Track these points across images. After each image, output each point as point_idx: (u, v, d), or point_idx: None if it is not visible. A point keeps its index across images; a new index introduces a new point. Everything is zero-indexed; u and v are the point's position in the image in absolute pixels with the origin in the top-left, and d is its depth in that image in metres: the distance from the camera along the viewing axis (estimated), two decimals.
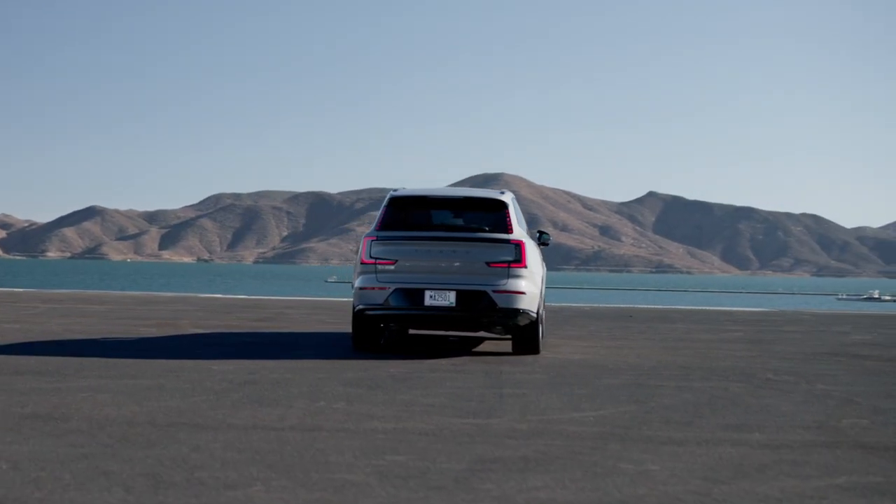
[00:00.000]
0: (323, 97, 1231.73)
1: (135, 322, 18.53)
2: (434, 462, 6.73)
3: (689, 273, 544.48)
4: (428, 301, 13.27)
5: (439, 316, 13.32)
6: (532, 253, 13.66)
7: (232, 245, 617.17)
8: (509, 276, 13.35)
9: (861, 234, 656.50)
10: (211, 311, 22.44)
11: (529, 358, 13.47)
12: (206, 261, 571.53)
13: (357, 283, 13.63)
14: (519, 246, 13.43)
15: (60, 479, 6.01)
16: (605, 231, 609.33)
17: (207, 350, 13.66)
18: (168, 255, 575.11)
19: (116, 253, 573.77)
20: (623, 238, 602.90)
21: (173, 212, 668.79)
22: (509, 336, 14.32)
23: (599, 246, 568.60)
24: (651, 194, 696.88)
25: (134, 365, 11.72)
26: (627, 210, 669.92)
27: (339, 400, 9.38)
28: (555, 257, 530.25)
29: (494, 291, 13.24)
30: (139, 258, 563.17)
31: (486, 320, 13.38)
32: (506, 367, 12.33)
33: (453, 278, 13.36)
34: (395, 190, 14.28)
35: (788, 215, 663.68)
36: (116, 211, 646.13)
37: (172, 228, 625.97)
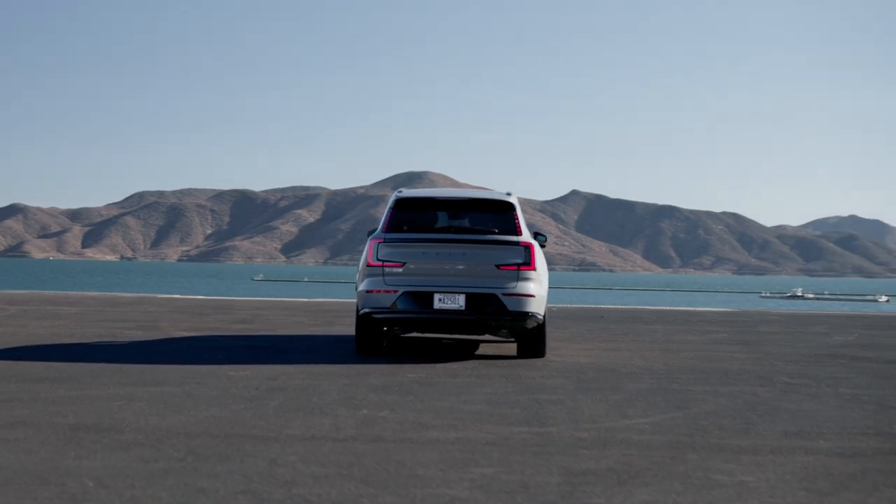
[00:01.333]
0: (247, 95, 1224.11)
1: (114, 324, 18.13)
2: (525, 474, 6.55)
3: (611, 271, 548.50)
4: (437, 304, 13.05)
5: (448, 319, 13.11)
6: (539, 255, 13.49)
7: (156, 243, 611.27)
8: (518, 278, 13.17)
9: (781, 232, 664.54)
10: (183, 312, 22.04)
11: (538, 362, 13.30)
12: (129, 259, 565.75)
13: (363, 286, 13.37)
14: (528, 248, 13.26)
15: (159, 498, 5.76)
16: (529, 229, 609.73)
17: (212, 354, 13.34)
18: (91, 254, 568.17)
19: (39, 251, 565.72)
20: (546, 236, 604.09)
21: (96, 210, 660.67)
22: (512, 339, 14.10)
23: None
24: (574, 193, 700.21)
25: (148, 371, 11.40)
26: (551, 208, 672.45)
27: (380, 408, 9.15)
28: None
29: (504, 294, 13.05)
30: (62, 256, 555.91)
31: (496, 324, 13.17)
32: (522, 372, 12.16)
33: (463, 281, 13.15)
34: (399, 191, 14.06)
35: (709, 214, 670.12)
36: (39, 209, 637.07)
37: (96, 226, 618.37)
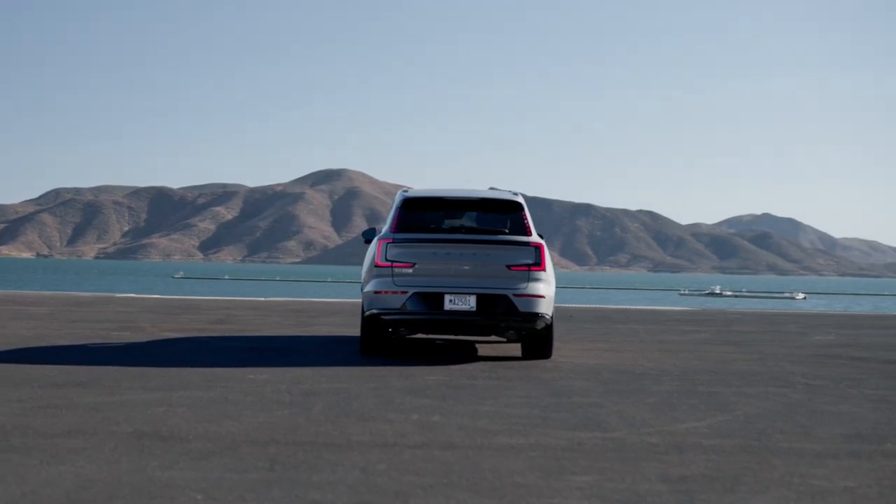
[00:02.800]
0: (165, 91, 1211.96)
1: (95, 325, 17.71)
2: (627, 482, 6.43)
3: None
4: (448, 305, 12.89)
5: (459, 321, 12.95)
6: (548, 256, 13.37)
7: (72, 240, 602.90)
8: (529, 279, 13.05)
9: (696, 230, 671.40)
10: (154, 312, 21.65)
11: (547, 363, 13.17)
12: (45, 256, 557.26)
13: (370, 287, 13.16)
14: (539, 249, 13.14)
15: None
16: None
17: (216, 357, 13.05)
18: (6, 251, 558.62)
19: None
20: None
21: (12, 206, 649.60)
22: (517, 340, 13.96)
23: None
24: (492, 191, 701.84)
25: (168, 375, 11.09)
26: None
27: (427, 412, 8.97)
28: None
29: (515, 295, 12.92)
30: None
31: (506, 325, 13.04)
32: (538, 374, 12.03)
33: (473, 282, 13.00)
34: (405, 190, 13.86)
35: (625, 212, 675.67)
36: None
37: (11, 224, 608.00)
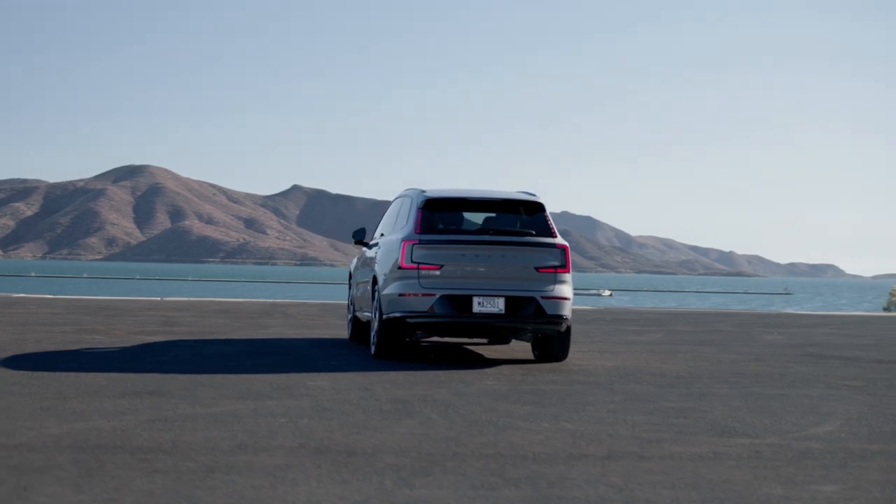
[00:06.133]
0: None
1: (58, 329, 16.70)
2: (871, 492, 6.36)
3: (332, 266, 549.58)
4: (476, 308, 12.66)
5: (487, 323, 12.74)
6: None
7: None
8: (556, 281, 12.92)
9: None
10: (92, 314, 20.57)
11: (573, 366, 12.95)
12: None
13: (392, 289, 12.82)
14: (564, 251, 13.02)
15: None
16: (251, 224, 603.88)
17: (241, 362, 12.48)
18: None
19: None
20: (268, 231, 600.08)
21: None
22: (501, 343, 13.80)
23: (244, 238, 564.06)
24: (295, 188, 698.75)
25: (231, 382, 10.57)
26: (272, 203, 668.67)
27: (548, 419, 8.75)
28: (199, 250, 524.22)
29: (543, 297, 12.77)
30: None
31: (532, 327, 12.87)
32: (584, 377, 11.86)
33: (501, 284, 12.79)
34: (423, 191, 13.48)
35: None
36: None
37: None
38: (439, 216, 13.26)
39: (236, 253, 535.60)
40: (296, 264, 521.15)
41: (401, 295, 12.73)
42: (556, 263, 12.95)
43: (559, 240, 13.10)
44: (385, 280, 13.07)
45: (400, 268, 12.80)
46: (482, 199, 13.58)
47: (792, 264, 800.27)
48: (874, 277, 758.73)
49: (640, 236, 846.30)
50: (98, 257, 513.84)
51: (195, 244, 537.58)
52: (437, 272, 12.74)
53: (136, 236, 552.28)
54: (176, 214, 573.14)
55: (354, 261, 16.49)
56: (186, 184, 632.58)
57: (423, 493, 6.01)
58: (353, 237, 15.61)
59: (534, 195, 13.73)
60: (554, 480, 6.42)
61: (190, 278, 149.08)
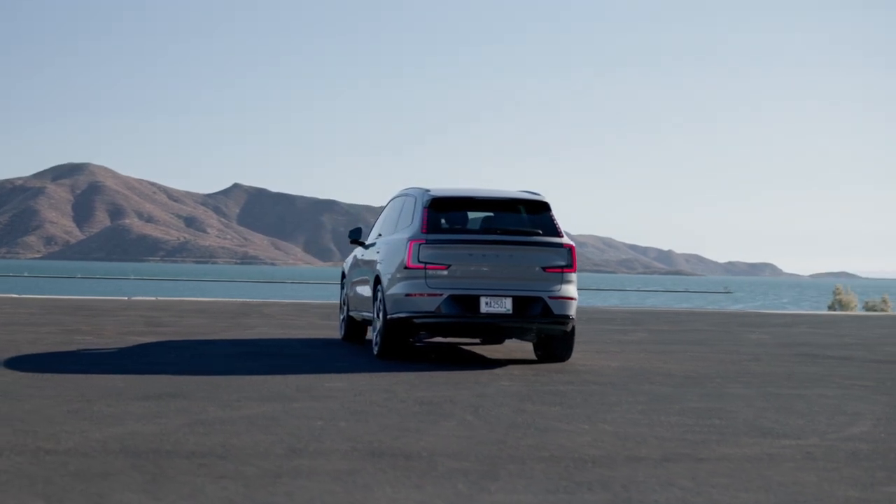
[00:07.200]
0: None
1: (36, 329, 16.43)
2: None
3: (273, 264, 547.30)
4: (484, 308, 12.57)
5: (493, 324, 12.65)
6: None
7: None
8: (562, 281, 12.86)
9: None
10: (72, 314, 20.23)
11: (579, 366, 12.89)
12: None
13: (398, 289, 12.70)
14: (571, 250, 12.95)
15: None
16: (191, 222, 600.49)
17: (247, 363, 12.28)
18: None
19: None
20: (208, 229, 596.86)
21: None
22: (494, 343, 13.76)
23: (185, 237, 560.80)
24: (236, 186, 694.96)
25: (254, 384, 10.40)
26: (213, 201, 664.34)
27: (581, 420, 8.68)
28: (140, 249, 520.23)
29: (550, 297, 12.71)
30: None
31: (539, 327, 12.80)
32: (596, 378, 11.80)
33: (508, 284, 12.71)
34: (427, 190, 13.35)
35: (368, 208, 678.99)
36: None
37: None
38: (445, 216, 13.14)
39: (176, 251, 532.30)
40: (236, 263, 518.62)
41: (407, 295, 12.62)
42: (563, 263, 12.90)
43: (566, 239, 13.04)
44: (390, 280, 12.94)
45: (406, 267, 12.69)
46: (488, 198, 13.47)
47: (731, 263, 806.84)
48: (812, 276, 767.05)
49: (580, 235, 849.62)
50: (37, 256, 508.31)
51: (135, 243, 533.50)
52: (445, 272, 12.64)
53: (76, 235, 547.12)
54: (116, 213, 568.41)
55: (348, 261, 16.35)
56: (126, 182, 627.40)
57: (502, 498, 5.91)
58: (350, 236, 15.52)
59: (538, 194, 13.66)
60: (626, 483, 6.34)
61: (132, 276, 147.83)
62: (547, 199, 13.46)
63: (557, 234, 13.08)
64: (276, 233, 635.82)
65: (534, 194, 13.62)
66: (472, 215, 13.55)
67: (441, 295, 12.54)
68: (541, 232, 13.04)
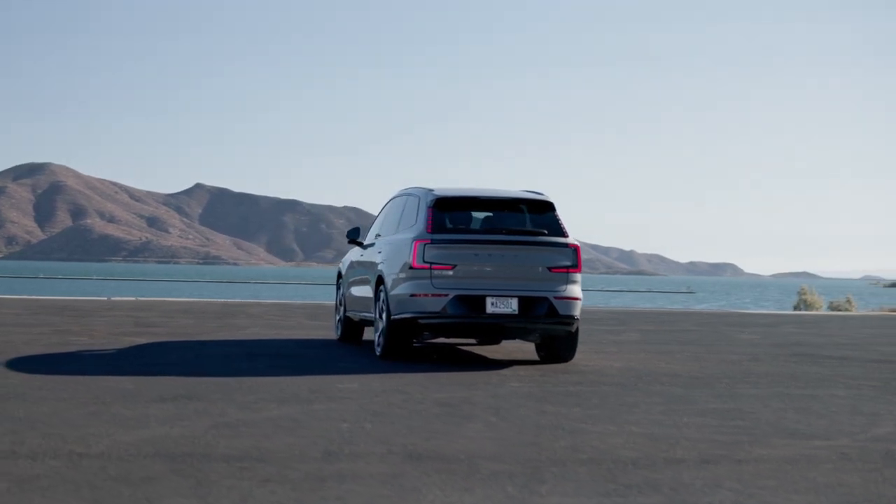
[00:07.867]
0: None
1: (28, 329, 16.23)
2: None
3: (236, 264, 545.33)
4: (490, 308, 12.49)
5: (500, 324, 12.57)
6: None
7: None
8: (568, 281, 12.80)
9: None
10: (60, 314, 19.93)
11: (581, 367, 12.80)
12: None
13: (403, 290, 12.60)
14: (576, 251, 12.89)
15: None
16: (153, 222, 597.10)
17: (252, 364, 12.14)
18: None
19: None
20: (171, 230, 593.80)
21: None
22: (491, 343, 13.77)
23: (147, 237, 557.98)
24: (198, 186, 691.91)
25: (265, 385, 10.26)
26: (175, 201, 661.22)
27: (606, 422, 8.63)
28: (101, 249, 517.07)
29: (556, 298, 12.65)
30: None
31: (544, 327, 12.73)
32: (604, 378, 11.74)
33: (514, 284, 12.63)
34: (431, 189, 13.24)
35: (331, 208, 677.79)
36: None
37: None
38: (449, 215, 13.04)
39: (139, 251, 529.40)
40: (199, 263, 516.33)
41: (412, 295, 12.53)
42: (569, 263, 12.84)
43: (571, 239, 12.98)
44: (394, 280, 12.84)
45: (411, 268, 12.59)
46: (492, 198, 13.38)
47: (692, 263, 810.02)
48: (773, 276, 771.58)
49: None
50: None
51: (97, 243, 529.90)
52: (450, 272, 12.55)
53: (37, 235, 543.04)
54: (77, 213, 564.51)
55: (344, 261, 16.22)
56: (88, 182, 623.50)
57: (556, 501, 5.86)
58: (348, 236, 15.40)
59: (543, 194, 13.60)
60: (674, 486, 6.30)
61: (94, 277, 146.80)
62: (551, 199, 13.40)
63: (563, 234, 13.02)
64: (239, 233, 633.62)
65: (538, 194, 13.56)
66: (476, 215, 13.45)
67: (447, 295, 12.45)
68: (546, 232, 12.97)
